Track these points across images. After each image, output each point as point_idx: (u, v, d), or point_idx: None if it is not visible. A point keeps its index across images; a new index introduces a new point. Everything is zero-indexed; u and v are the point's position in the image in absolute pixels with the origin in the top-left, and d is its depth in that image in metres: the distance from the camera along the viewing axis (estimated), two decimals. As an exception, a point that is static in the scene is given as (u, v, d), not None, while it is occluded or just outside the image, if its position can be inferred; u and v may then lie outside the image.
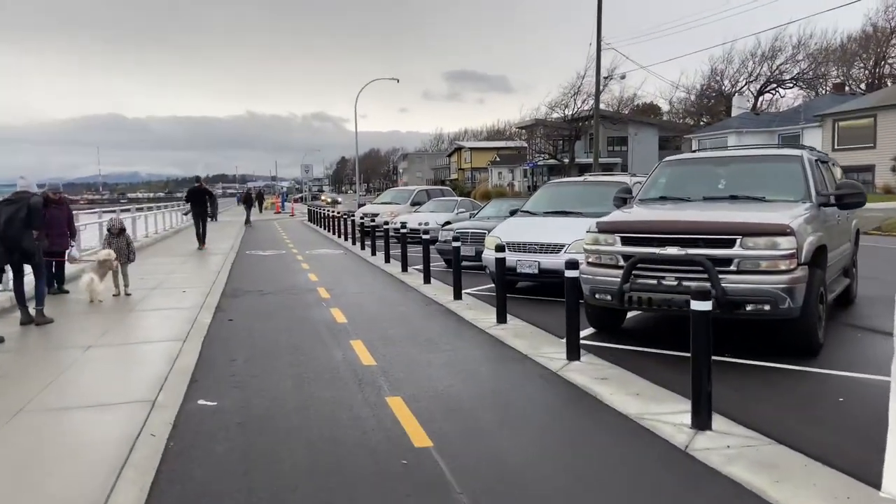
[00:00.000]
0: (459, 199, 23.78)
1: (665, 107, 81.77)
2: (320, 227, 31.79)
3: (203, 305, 9.56)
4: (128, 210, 22.38)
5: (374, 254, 17.44)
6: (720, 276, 6.11)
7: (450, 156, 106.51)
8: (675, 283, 6.38)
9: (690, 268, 6.32)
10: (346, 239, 22.73)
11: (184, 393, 5.40)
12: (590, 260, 7.25)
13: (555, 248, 9.94)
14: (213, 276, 13.02)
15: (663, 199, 8.05)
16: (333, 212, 28.46)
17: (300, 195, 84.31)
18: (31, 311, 8.31)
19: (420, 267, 14.55)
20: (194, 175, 34.46)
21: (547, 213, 11.11)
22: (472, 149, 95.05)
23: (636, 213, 7.57)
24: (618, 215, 7.50)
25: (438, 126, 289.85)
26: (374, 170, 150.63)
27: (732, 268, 6.21)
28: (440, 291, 10.90)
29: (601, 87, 36.36)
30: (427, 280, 11.93)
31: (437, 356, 6.66)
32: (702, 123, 65.71)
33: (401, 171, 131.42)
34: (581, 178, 11.98)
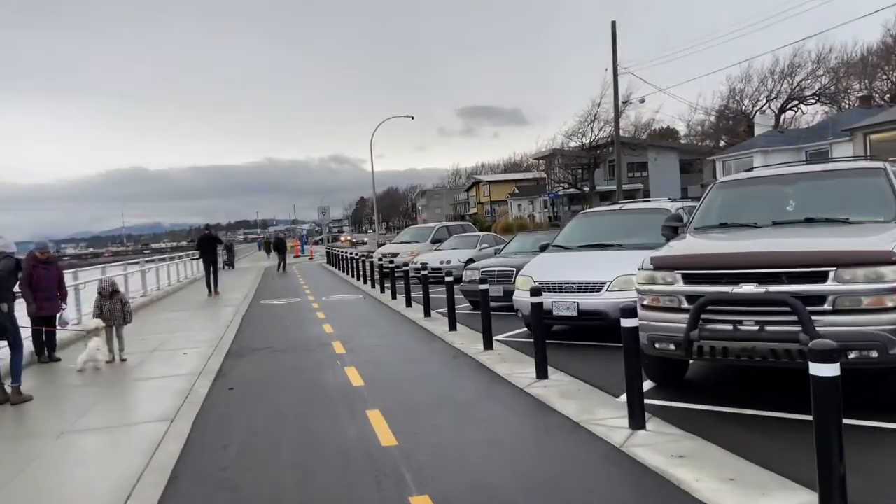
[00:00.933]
0: (482, 234, 22.74)
1: (683, 130, 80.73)
2: (339, 269, 30.91)
3: (202, 371, 8.52)
4: (136, 262, 21.65)
5: (394, 297, 16.38)
6: (812, 317, 4.95)
7: (468, 190, 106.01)
8: (757, 328, 5.21)
9: (774, 308, 5.17)
10: (364, 282, 21.72)
11: (156, 502, 4.31)
12: (645, 302, 6.11)
13: (595, 287, 8.80)
14: (220, 332, 12.01)
15: (723, 226, 6.91)
16: (350, 253, 27.56)
17: (320, 237, 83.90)
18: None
19: (444, 310, 13.46)
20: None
21: (582, 247, 9.99)
22: (490, 182, 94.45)
23: (696, 245, 6.44)
24: (676, 248, 6.36)
25: (455, 161, 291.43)
26: (393, 208, 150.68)
27: (826, 307, 5.04)
28: (468, 340, 9.77)
29: (619, 113, 35.41)
30: (452, 326, 10.81)
31: (470, 430, 5.52)
32: (721, 144, 64.46)
33: (419, 207, 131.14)
34: (616, 206, 10.88)
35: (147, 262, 21.91)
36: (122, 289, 10.63)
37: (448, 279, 11.06)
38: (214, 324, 13.44)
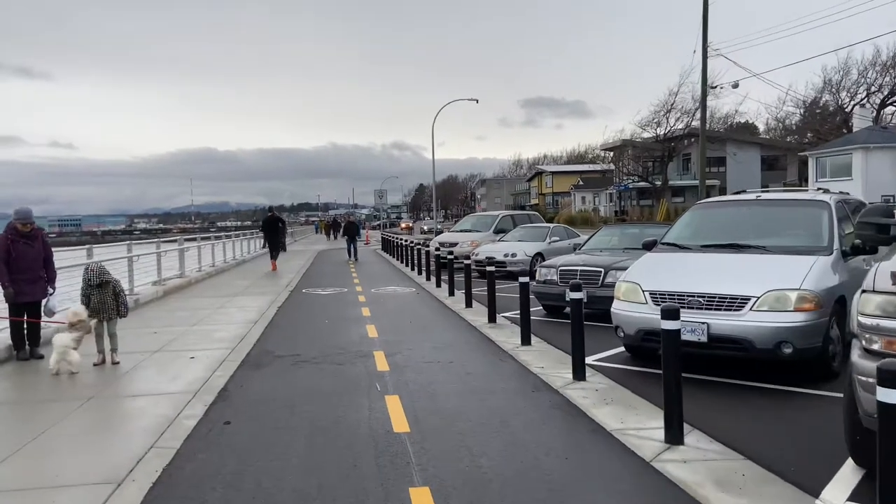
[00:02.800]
0: (552, 225, 20.23)
1: (762, 126, 75.67)
2: (393, 256, 28.92)
3: (202, 388, 6.48)
4: (174, 241, 20.07)
5: (451, 293, 14.17)
6: None
7: (530, 180, 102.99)
8: None
9: None
10: (419, 273, 19.58)
11: None
12: (875, 346, 3.70)
13: (733, 304, 6.37)
14: (244, 330, 10.04)
15: None
16: (406, 240, 25.46)
17: (378, 222, 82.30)
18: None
19: (512, 314, 11.19)
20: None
21: (706, 248, 7.52)
22: (553, 173, 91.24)
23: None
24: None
25: (517, 151, 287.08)
26: (452, 196, 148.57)
27: None
28: (548, 361, 7.47)
29: (706, 98, 32.11)
30: (526, 339, 8.52)
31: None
32: (806, 141, 59.70)
33: (479, 197, 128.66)
34: (752, 196, 8.33)
35: (187, 240, 20.31)
36: (116, 275, 8.68)
37: (523, 280, 8.73)
38: (242, 316, 11.51)
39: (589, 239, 12.79)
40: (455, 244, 21.17)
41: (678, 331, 4.80)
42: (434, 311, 12.16)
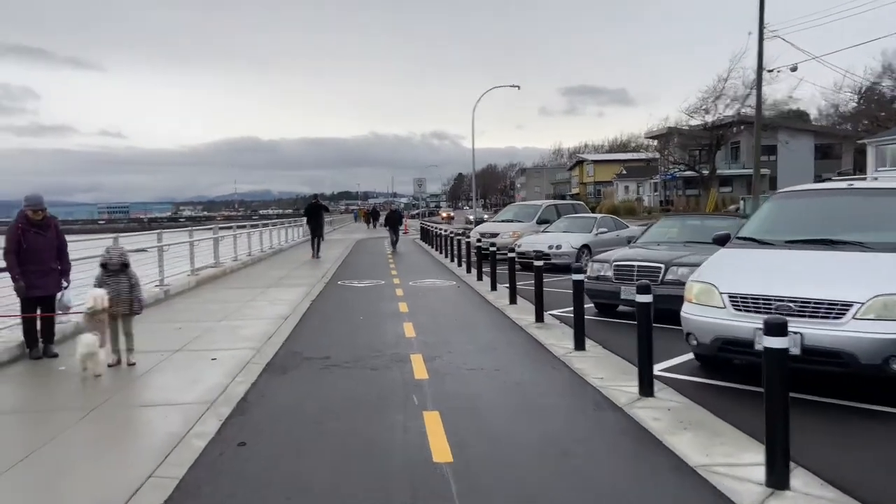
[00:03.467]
0: (598, 216, 19.17)
1: (813, 113, 72.61)
2: (432, 246, 28.20)
3: (219, 398, 5.80)
4: (209, 228, 19.60)
5: (493, 288, 13.34)
6: None
7: (570, 169, 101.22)
8: None
9: None
10: (459, 264, 18.78)
11: None
12: None
13: (832, 310, 5.41)
14: (273, 326, 9.38)
15: None
16: (445, 231, 24.64)
17: (416, 211, 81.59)
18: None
19: (559, 312, 10.32)
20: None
21: (793, 244, 6.52)
22: (595, 162, 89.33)
23: None
24: None
25: (557, 140, 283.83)
26: (491, 185, 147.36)
27: None
28: (608, 371, 6.60)
29: (762, 82, 30.42)
30: (580, 344, 7.64)
31: None
32: (861, 129, 56.95)
33: (518, 186, 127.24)
34: (843, 184, 7.29)
35: (222, 228, 19.85)
36: (136, 267, 8.04)
37: (577, 277, 7.83)
38: (273, 311, 10.87)
39: (645, 231, 11.79)
40: (496, 235, 20.30)
41: (786, 350, 3.88)
42: (476, 308, 11.35)
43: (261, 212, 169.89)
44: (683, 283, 8.90)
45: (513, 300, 11.44)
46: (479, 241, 17.81)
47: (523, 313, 10.29)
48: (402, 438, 4.75)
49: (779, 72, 31.68)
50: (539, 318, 9.59)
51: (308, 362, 7.22)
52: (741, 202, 53.89)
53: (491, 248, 15.14)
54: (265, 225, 27.89)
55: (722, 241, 7.31)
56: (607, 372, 6.56)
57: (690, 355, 7.03)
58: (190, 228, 16.67)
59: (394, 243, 27.41)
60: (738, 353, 5.94)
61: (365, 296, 12.95)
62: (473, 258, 16.57)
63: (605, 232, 17.91)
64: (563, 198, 71.31)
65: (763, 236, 6.88)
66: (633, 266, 9.63)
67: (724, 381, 6.26)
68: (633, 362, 6.86)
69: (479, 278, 15.12)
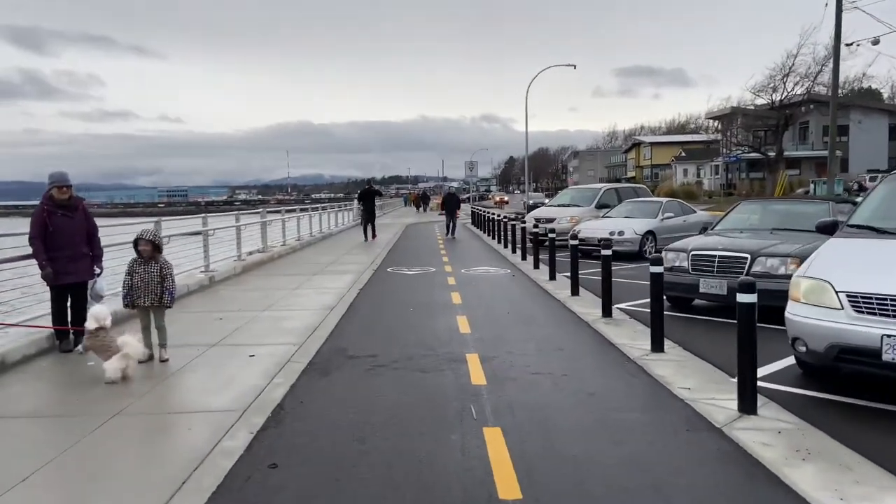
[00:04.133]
0: (664, 200, 17.97)
1: (885, 93, 68.38)
2: (484, 232, 27.38)
3: (253, 403, 5.14)
4: (257, 212, 19.14)
5: (552, 277, 12.47)
6: None
7: (626, 152, 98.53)
8: None
9: None
10: (513, 251, 17.93)
11: None
12: None
13: None
14: (318, 318, 8.76)
15: None
16: (499, 216, 23.75)
17: (467, 195, 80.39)
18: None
19: (626, 305, 9.44)
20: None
21: (924, 232, 5.47)
22: (652, 144, 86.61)
23: None
24: None
25: (611, 122, 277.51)
26: (542, 169, 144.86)
27: None
28: (695, 379, 5.71)
29: (839, 56, 28.31)
30: (658, 345, 6.74)
31: None
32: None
33: (571, 169, 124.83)
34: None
35: (270, 211, 19.43)
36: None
37: (656, 269, 6.90)
38: (320, 299, 10.27)
39: (723, 217, 10.70)
40: (553, 220, 19.34)
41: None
42: (535, 299, 10.52)
43: (313, 196, 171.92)
44: (773, 276, 7.92)
45: (574, 291, 10.56)
46: (535, 226, 16.94)
47: (588, 306, 9.43)
48: (460, 465, 4.00)
49: (858, 45, 29.42)
50: (607, 312, 8.71)
51: (352, 362, 6.54)
52: (811, 185, 51.22)
53: (550, 235, 14.25)
54: (314, 209, 27.50)
55: (829, 228, 6.30)
56: (694, 380, 5.67)
57: (787, 361, 6.09)
58: (237, 213, 16.23)
59: (450, 229, 25.70)
60: (861, 364, 4.97)
61: (415, 284, 12.25)
62: (529, 245, 15.70)
63: (672, 217, 16.76)
64: (618, 181, 69.18)
65: (882, 224, 5.83)
66: (713, 256, 8.63)
67: (837, 394, 5.31)
68: (723, 368, 6.01)
69: (536, 266, 14.27)
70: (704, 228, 17.68)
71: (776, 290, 6.93)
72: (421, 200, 61.25)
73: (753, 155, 56.86)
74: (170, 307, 6.57)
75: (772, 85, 53.15)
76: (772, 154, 54.50)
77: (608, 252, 9.22)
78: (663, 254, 9.61)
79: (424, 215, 50.13)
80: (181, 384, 5.86)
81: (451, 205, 26.61)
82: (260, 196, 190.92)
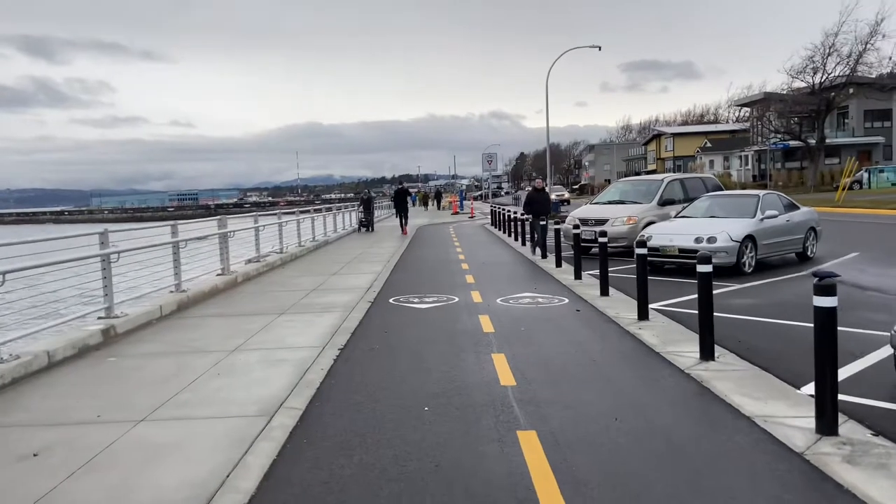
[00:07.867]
0: (761, 193, 13.47)
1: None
2: (506, 233, 23.08)
3: None
4: (251, 215, 15.30)
5: (643, 316, 8.10)
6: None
7: (646, 144, 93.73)
8: None
9: None
10: (558, 264, 13.53)
11: None
12: None
13: None
14: (251, 431, 4.48)
15: None
16: (524, 216, 19.37)
17: (479, 193, 75.94)
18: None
19: (729, 351, 5.09)
20: (380, 176, 31.94)
21: None
22: (674, 135, 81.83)
23: None
24: None
25: (624, 115, 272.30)
26: (555, 164, 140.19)
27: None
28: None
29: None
30: (831, 425, 2.38)
31: None
32: None
33: (586, 164, 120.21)
34: None
35: (263, 215, 15.80)
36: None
37: (827, 303, 2.53)
38: (275, 372, 5.98)
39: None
40: (604, 221, 14.97)
41: None
42: (611, 352, 6.14)
43: (323, 196, 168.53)
44: None
45: (705, 354, 6.18)
46: (577, 229, 12.55)
47: (679, 345, 5.08)
48: None
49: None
50: (706, 354, 4.37)
51: None
52: (863, 174, 46.45)
53: (602, 243, 10.10)
54: (318, 211, 23.90)
55: None
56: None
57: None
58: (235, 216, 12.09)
59: (402, 224, 26.32)
60: None
61: (429, 336, 7.85)
62: (563, 251, 11.38)
63: (775, 216, 12.36)
64: (637, 174, 64.36)
65: None
66: None
67: None
68: None
69: (605, 292, 9.89)
70: (812, 230, 13.35)
71: None
72: (435, 198, 61.35)
73: (794, 142, 52.23)
74: None
75: (812, 66, 48.58)
76: (812, 142, 49.91)
77: (707, 268, 5.02)
78: None
79: (437, 215, 45.92)
80: None
81: (400, 199, 27.48)
82: (270, 198, 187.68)
